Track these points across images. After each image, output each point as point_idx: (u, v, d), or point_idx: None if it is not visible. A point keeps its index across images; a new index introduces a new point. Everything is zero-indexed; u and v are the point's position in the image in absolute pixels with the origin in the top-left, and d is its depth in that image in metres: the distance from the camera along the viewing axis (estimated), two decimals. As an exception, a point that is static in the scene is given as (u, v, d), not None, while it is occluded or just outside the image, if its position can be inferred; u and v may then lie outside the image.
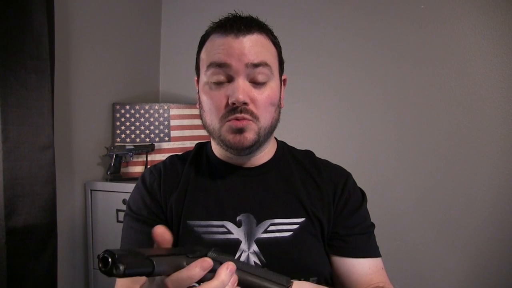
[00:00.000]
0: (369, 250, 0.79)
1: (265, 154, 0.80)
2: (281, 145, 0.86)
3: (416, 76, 1.49)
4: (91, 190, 1.47)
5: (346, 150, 1.59)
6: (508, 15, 1.36)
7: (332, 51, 1.62)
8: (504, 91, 1.37)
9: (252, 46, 0.70)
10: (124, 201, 1.40)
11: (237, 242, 0.72)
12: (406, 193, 1.51)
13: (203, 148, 0.85)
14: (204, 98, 0.74)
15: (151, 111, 1.66)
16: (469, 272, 1.42)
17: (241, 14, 0.74)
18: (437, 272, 1.46)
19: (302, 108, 1.65)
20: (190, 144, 1.65)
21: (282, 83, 0.81)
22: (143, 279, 0.69)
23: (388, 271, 0.81)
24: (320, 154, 0.88)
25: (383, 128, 1.55)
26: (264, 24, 0.76)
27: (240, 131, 0.70)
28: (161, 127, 1.67)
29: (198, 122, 1.70)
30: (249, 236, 0.72)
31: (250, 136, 0.71)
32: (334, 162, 0.87)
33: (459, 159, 1.43)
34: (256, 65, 0.69)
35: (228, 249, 0.71)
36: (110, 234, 1.43)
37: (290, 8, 1.68)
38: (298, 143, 0.92)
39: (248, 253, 0.71)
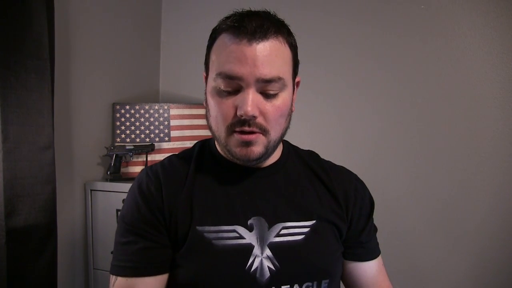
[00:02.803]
0: (377, 250, 0.81)
1: (273, 155, 0.77)
2: (286, 145, 0.83)
3: (415, 75, 1.49)
4: (91, 190, 1.47)
5: (346, 151, 1.59)
6: (508, 15, 1.36)
7: (334, 47, 1.62)
8: (504, 91, 1.37)
9: (266, 55, 0.65)
10: (124, 201, 1.40)
11: (250, 247, 0.68)
12: (406, 194, 1.51)
13: (205, 146, 0.80)
14: (212, 103, 0.69)
15: (151, 111, 1.66)
16: (469, 272, 1.42)
17: (255, 10, 0.69)
18: (436, 272, 1.46)
19: (301, 108, 1.65)
20: (190, 144, 1.62)
21: (295, 85, 0.76)
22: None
23: (387, 271, 0.82)
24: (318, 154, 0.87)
25: (383, 128, 1.55)
26: (280, 22, 0.70)
27: (247, 144, 0.67)
28: (161, 127, 1.67)
29: (198, 122, 1.70)
30: (262, 240, 0.69)
31: (258, 149, 0.68)
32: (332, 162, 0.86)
33: (459, 159, 1.43)
34: (268, 81, 0.65)
35: (241, 254, 0.67)
36: (110, 234, 1.41)
37: (289, 12, 1.68)
38: (297, 143, 0.92)
39: (262, 258, 0.68)
